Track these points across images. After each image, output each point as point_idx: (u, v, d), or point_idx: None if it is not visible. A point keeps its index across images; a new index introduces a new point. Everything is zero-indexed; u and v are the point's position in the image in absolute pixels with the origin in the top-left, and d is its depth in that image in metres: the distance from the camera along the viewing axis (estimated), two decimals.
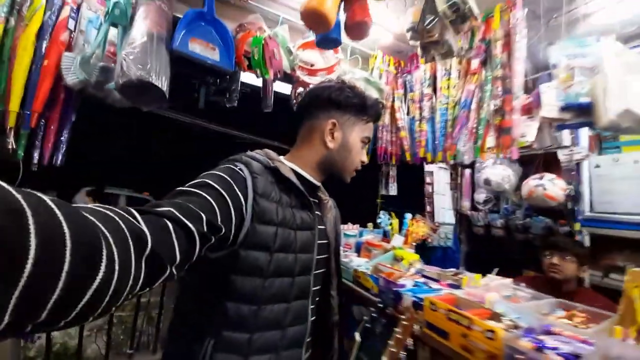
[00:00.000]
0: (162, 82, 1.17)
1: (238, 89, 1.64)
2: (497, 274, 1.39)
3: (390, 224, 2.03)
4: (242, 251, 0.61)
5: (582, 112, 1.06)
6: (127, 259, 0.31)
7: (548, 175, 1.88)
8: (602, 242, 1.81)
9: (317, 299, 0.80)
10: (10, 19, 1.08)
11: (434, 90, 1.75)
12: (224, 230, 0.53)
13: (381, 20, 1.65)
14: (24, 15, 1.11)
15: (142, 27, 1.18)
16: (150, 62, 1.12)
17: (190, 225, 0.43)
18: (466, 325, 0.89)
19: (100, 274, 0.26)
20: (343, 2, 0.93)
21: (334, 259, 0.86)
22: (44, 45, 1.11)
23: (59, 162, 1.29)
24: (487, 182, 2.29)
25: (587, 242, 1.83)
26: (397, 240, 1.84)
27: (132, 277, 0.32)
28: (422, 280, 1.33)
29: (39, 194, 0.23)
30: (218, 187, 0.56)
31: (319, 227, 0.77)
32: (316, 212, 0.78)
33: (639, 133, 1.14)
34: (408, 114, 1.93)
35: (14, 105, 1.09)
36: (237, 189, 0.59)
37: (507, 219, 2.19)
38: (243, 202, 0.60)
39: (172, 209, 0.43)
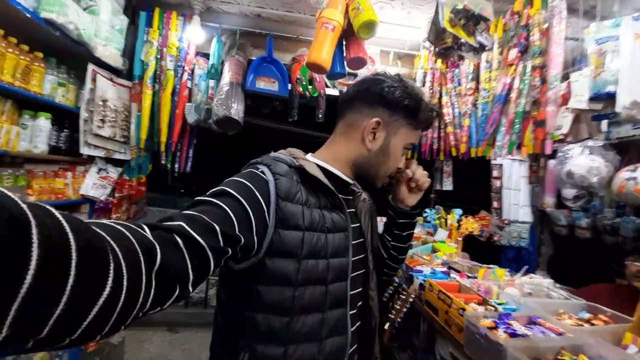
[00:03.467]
0: (239, 116, 1.72)
1: (296, 106, 2.08)
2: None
3: (438, 219, 2.07)
4: (268, 260, 0.57)
5: (611, 102, 0.99)
6: (136, 274, 0.30)
7: None
8: None
9: (359, 303, 0.73)
10: (155, 85, 1.84)
11: (477, 83, 1.71)
12: (243, 241, 0.50)
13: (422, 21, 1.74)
14: (162, 82, 1.85)
15: (226, 78, 1.76)
16: (230, 103, 1.68)
17: (201, 240, 0.41)
18: (448, 304, 1.04)
19: (107, 289, 0.26)
20: (344, 42, 1.19)
21: (371, 256, 0.77)
22: (176, 100, 1.83)
23: (188, 169, 2.07)
24: (569, 175, 1.96)
25: None
26: (441, 234, 1.91)
27: (142, 294, 0.31)
28: (444, 269, 1.44)
29: (49, 207, 0.23)
30: (236, 195, 0.52)
31: (353, 225, 0.71)
32: (349, 210, 0.72)
33: None
34: (455, 108, 1.93)
35: (163, 137, 1.86)
36: (258, 195, 0.55)
37: (594, 218, 1.86)
38: (265, 208, 0.56)
39: (182, 224, 0.41)
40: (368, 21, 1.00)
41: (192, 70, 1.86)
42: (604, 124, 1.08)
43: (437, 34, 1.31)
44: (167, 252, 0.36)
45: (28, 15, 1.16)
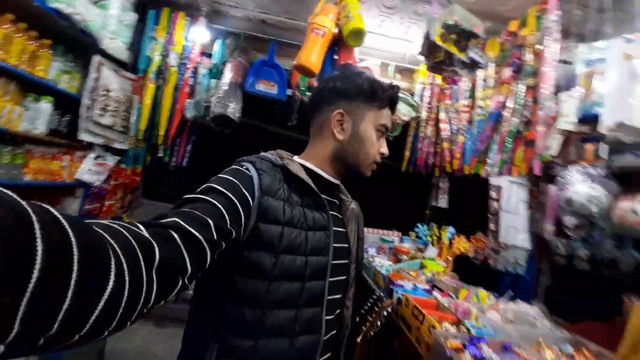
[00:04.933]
0: (235, 115, 1.75)
1: (295, 111, 2.10)
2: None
3: (430, 236, 2.02)
4: (246, 251, 0.58)
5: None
6: (137, 270, 0.31)
7: None
8: None
9: (337, 311, 0.72)
10: (159, 80, 1.90)
11: (473, 100, 1.70)
12: (234, 233, 0.51)
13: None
14: (165, 78, 1.91)
15: (227, 77, 1.80)
16: (228, 102, 1.71)
17: (197, 234, 0.42)
18: (420, 320, 0.99)
19: (110, 284, 0.26)
20: (337, 48, 1.21)
21: (354, 265, 0.77)
22: (177, 95, 1.88)
23: (184, 163, 2.10)
24: (569, 202, 1.89)
25: None
26: (431, 251, 1.85)
27: (144, 289, 0.31)
28: (427, 287, 1.39)
29: (46, 206, 0.24)
30: (224, 190, 0.53)
31: (337, 229, 0.71)
32: (334, 213, 0.72)
33: None
34: (452, 125, 1.92)
35: (162, 130, 1.90)
36: (243, 189, 0.57)
37: (593, 250, 1.77)
38: (250, 201, 0.57)
39: (176, 219, 0.42)
40: (356, 29, 1.02)
41: (195, 69, 1.92)
42: (604, 150, 1.04)
43: (429, 48, 1.32)
44: (165, 247, 0.36)
45: (36, 4, 1.23)
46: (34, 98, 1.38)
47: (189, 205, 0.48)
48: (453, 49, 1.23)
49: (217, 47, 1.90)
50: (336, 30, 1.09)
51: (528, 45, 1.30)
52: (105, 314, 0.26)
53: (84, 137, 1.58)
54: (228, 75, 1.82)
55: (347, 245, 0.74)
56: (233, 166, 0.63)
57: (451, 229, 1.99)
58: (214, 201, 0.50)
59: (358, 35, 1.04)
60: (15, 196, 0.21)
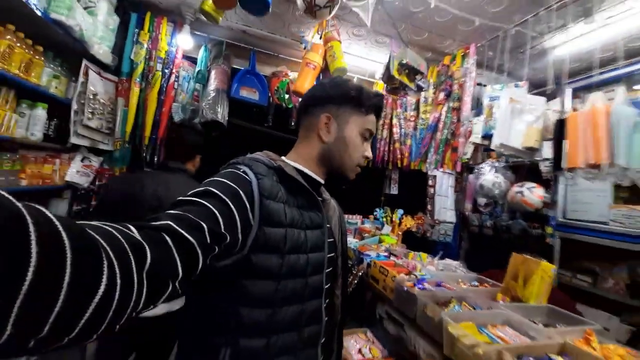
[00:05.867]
0: (224, 119, 1.95)
1: (271, 113, 2.36)
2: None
3: (385, 217, 2.54)
4: (253, 255, 0.59)
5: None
6: (128, 272, 0.30)
7: (528, 184, 2.16)
8: (572, 245, 2.03)
9: (328, 299, 0.76)
10: (143, 83, 1.97)
11: (418, 112, 2.21)
12: (228, 238, 0.51)
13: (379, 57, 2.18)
14: (150, 82, 1.99)
15: (213, 84, 1.98)
16: (217, 108, 1.91)
17: (189, 237, 0.41)
18: (385, 274, 1.45)
19: (102, 287, 0.26)
20: (321, 75, 1.55)
21: (341, 257, 0.83)
22: (162, 99, 1.99)
23: None
24: (481, 187, 2.60)
25: (557, 245, 2.08)
26: (386, 229, 2.36)
27: (135, 292, 0.31)
28: (386, 254, 1.87)
29: (40, 207, 0.23)
30: (220, 194, 0.53)
31: (327, 225, 0.75)
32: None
33: (523, 158, 1.49)
34: (402, 129, 2.42)
35: (147, 132, 1.99)
36: (241, 193, 0.57)
37: (495, 220, 2.49)
38: (249, 206, 0.57)
39: (169, 222, 0.41)
40: (340, 68, 1.36)
41: (179, 73, 2.03)
42: (546, 146, 1.60)
43: (388, 77, 1.74)
44: (157, 250, 0.36)
45: (39, 15, 1.27)
46: (28, 105, 1.41)
47: (183, 208, 0.48)
48: (405, 80, 1.67)
49: (201, 54, 2.04)
50: (322, 64, 1.42)
51: (455, 78, 1.81)
52: (95, 317, 0.26)
53: (75, 140, 1.63)
54: (214, 82, 1.99)
55: (333, 240, 0.79)
56: (229, 169, 0.64)
57: (400, 211, 2.53)
58: (208, 205, 0.50)
59: (342, 71, 1.38)
60: (10, 197, 0.21)
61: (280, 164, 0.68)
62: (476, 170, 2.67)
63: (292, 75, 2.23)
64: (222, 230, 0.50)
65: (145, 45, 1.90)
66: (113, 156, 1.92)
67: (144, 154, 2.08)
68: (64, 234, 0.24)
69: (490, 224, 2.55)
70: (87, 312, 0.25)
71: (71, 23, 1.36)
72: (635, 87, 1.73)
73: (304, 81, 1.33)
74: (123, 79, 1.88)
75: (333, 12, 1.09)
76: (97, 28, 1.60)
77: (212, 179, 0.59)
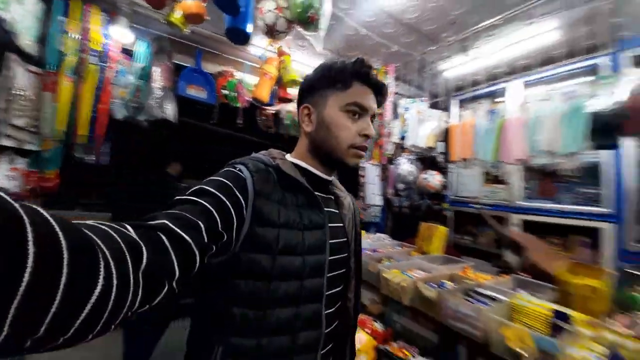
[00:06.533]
0: (172, 116, 1.97)
1: (217, 111, 2.43)
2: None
3: None
4: (243, 254, 0.58)
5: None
6: (125, 272, 0.30)
7: (430, 172, 2.83)
8: (461, 215, 2.80)
9: (337, 304, 0.73)
10: (74, 77, 1.82)
11: None
12: (226, 236, 0.51)
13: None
14: (83, 75, 1.85)
15: (160, 83, 1.96)
16: (165, 105, 1.92)
17: (186, 236, 0.41)
18: None
19: (99, 287, 0.26)
20: (278, 86, 1.76)
21: (355, 258, 0.78)
22: (99, 94, 1.88)
23: (107, 162, 2.09)
24: (399, 175, 3.24)
25: (451, 215, 2.81)
26: None
27: (131, 292, 0.31)
28: None
29: (35, 206, 0.23)
30: (216, 192, 0.53)
31: (334, 224, 0.72)
32: (330, 209, 0.73)
33: (427, 154, 2.07)
34: None
35: (82, 130, 1.86)
36: (236, 191, 0.56)
37: (410, 201, 3.15)
38: (244, 204, 0.57)
39: (166, 221, 0.41)
40: (292, 79, 1.62)
41: (117, 67, 1.93)
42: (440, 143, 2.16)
43: None
44: (153, 250, 0.36)
45: None
46: None
47: (180, 207, 0.48)
48: None
49: (142, 49, 1.98)
50: (277, 73, 1.64)
51: None
52: (92, 317, 0.26)
53: (4, 142, 1.46)
54: (159, 79, 1.98)
55: (345, 240, 0.75)
56: (226, 168, 0.63)
57: None
58: (205, 203, 0.50)
59: (294, 83, 1.62)
60: (7, 197, 0.21)
61: (279, 162, 0.67)
62: (395, 162, 3.30)
63: (238, 75, 2.35)
64: (220, 229, 0.50)
65: (75, 36, 1.76)
66: (40, 157, 1.74)
67: (78, 155, 1.94)
68: (60, 235, 0.24)
69: (407, 204, 3.21)
70: (83, 313, 0.26)
71: (7, 17, 1.25)
72: (496, 100, 2.50)
73: (262, 89, 1.53)
74: (50, 72, 1.70)
75: (287, 36, 1.32)
76: (25, 18, 1.45)
77: (209, 178, 0.59)
